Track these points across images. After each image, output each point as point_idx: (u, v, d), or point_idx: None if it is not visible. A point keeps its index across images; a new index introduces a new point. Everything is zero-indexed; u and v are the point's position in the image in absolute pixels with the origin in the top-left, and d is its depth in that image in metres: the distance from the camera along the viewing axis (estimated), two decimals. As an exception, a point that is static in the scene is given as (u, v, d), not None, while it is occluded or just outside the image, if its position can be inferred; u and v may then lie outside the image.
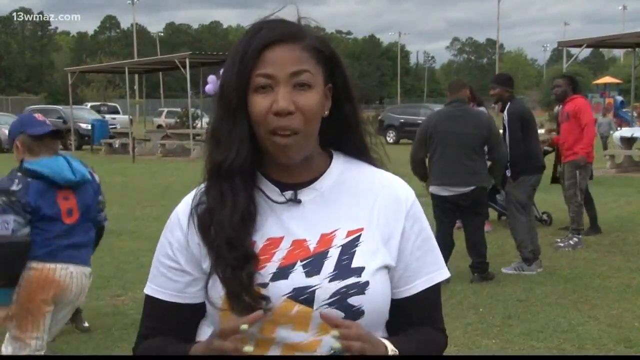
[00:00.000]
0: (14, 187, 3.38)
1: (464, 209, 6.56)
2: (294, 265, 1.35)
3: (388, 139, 28.02)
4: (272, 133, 1.34)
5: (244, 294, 1.32)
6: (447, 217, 6.49)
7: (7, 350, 3.52)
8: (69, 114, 27.61)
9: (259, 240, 1.37)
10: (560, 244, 8.00)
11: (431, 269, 1.45)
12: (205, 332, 1.42)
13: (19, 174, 3.44)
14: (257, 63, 1.33)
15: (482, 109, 8.09)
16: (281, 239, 1.38)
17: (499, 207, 9.30)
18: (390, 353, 1.32)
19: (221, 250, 1.35)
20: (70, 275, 3.49)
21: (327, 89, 1.41)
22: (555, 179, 8.83)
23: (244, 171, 1.37)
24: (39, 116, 3.61)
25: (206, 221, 1.38)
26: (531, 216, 7.22)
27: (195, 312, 1.43)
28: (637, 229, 9.15)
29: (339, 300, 1.32)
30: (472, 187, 6.40)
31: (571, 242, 7.95)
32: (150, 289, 1.46)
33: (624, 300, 5.92)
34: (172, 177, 16.30)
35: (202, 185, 1.43)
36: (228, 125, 1.36)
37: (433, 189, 6.48)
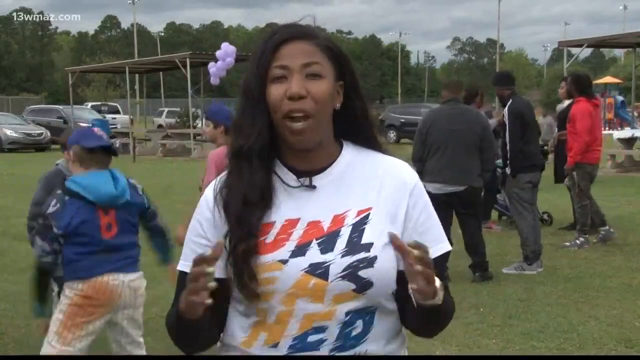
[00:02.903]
0: (50, 210, 3.40)
1: (458, 211, 6.58)
2: (309, 243, 1.49)
3: (389, 138, 28.02)
4: (286, 117, 1.48)
5: (239, 267, 1.47)
6: (443, 217, 6.42)
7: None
8: (70, 114, 27.66)
9: (278, 221, 1.52)
10: (567, 244, 8.01)
11: (434, 243, 1.56)
12: (233, 314, 1.56)
13: (59, 191, 3.45)
14: (274, 57, 1.50)
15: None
16: (298, 220, 1.52)
17: (500, 207, 9.32)
18: (438, 282, 1.43)
19: (232, 224, 1.51)
20: (117, 284, 3.49)
21: (338, 85, 1.55)
22: (558, 179, 8.85)
23: (262, 154, 1.52)
24: (97, 130, 3.61)
25: (226, 198, 1.54)
26: (535, 215, 7.24)
27: (224, 287, 1.53)
28: (637, 228, 9.15)
29: (351, 273, 1.46)
30: (464, 187, 6.43)
31: (577, 241, 7.97)
32: (182, 266, 1.59)
33: (625, 300, 5.93)
34: (172, 176, 16.31)
35: (226, 172, 1.59)
36: (250, 114, 1.52)
37: (427, 186, 6.43)
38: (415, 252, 1.36)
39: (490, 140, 6.62)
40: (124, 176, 3.60)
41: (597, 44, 23.63)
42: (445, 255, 1.62)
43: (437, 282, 1.43)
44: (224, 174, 1.59)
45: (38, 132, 27.13)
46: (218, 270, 1.52)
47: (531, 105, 7.55)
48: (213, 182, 1.61)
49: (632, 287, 6.33)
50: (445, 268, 1.64)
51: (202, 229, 1.58)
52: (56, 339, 3.46)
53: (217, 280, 1.52)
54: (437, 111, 6.88)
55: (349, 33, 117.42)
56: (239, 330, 1.54)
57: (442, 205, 6.42)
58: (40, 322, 3.60)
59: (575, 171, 7.85)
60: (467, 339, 4.98)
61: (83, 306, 3.46)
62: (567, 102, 8.82)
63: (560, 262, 7.30)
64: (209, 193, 1.60)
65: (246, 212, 1.50)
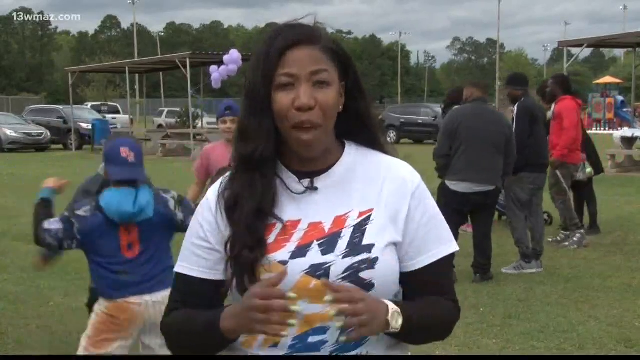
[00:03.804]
0: (81, 212, 3.35)
1: (481, 209, 6.57)
2: (310, 244, 1.49)
3: (388, 138, 28.01)
4: (294, 128, 1.47)
5: (246, 274, 1.47)
6: (457, 217, 6.39)
7: None
8: (70, 114, 27.64)
9: (279, 223, 1.51)
10: (566, 243, 8.00)
11: (436, 245, 1.56)
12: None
13: (95, 200, 3.39)
14: (280, 63, 1.47)
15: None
16: (299, 221, 1.52)
17: (500, 207, 9.32)
18: (390, 311, 1.44)
19: (240, 231, 1.50)
20: (140, 305, 3.41)
21: (341, 86, 1.53)
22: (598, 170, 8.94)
23: (272, 161, 1.52)
24: (123, 152, 3.37)
25: (232, 204, 1.53)
26: (539, 216, 7.24)
27: (224, 289, 1.54)
28: (637, 228, 9.15)
29: (352, 274, 1.46)
30: (494, 187, 6.44)
31: (575, 239, 7.96)
32: (181, 268, 1.59)
33: (625, 300, 5.93)
34: (172, 176, 16.29)
35: (228, 174, 1.58)
36: (256, 120, 1.50)
37: (454, 185, 6.41)
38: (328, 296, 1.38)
39: (513, 142, 6.57)
40: (150, 192, 3.44)
41: (597, 44, 23.63)
42: (451, 256, 1.60)
43: (391, 309, 1.43)
44: (225, 176, 1.58)
45: (38, 132, 27.12)
46: (217, 273, 1.54)
47: (542, 107, 7.58)
48: (214, 185, 1.60)
49: (632, 287, 6.34)
50: (452, 266, 1.62)
51: (203, 231, 1.56)
52: (83, 353, 3.45)
53: (218, 282, 1.54)
54: (464, 109, 6.73)
55: (349, 33, 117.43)
56: None
57: (466, 205, 6.44)
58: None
59: (559, 170, 7.86)
60: (467, 339, 4.99)
61: (107, 324, 3.43)
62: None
63: (560, 262, 7.31)
64: (211, 196, 1.58)
65: (257, 220, 1.49)
